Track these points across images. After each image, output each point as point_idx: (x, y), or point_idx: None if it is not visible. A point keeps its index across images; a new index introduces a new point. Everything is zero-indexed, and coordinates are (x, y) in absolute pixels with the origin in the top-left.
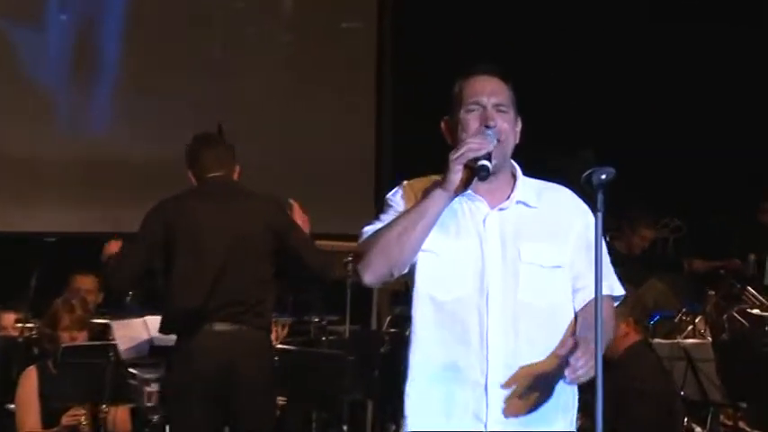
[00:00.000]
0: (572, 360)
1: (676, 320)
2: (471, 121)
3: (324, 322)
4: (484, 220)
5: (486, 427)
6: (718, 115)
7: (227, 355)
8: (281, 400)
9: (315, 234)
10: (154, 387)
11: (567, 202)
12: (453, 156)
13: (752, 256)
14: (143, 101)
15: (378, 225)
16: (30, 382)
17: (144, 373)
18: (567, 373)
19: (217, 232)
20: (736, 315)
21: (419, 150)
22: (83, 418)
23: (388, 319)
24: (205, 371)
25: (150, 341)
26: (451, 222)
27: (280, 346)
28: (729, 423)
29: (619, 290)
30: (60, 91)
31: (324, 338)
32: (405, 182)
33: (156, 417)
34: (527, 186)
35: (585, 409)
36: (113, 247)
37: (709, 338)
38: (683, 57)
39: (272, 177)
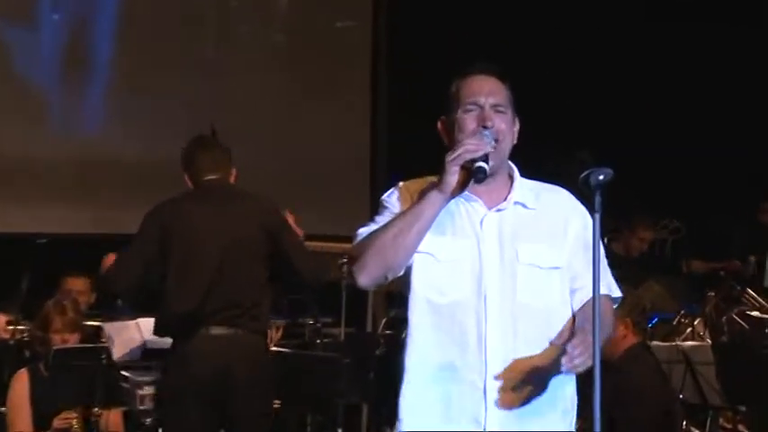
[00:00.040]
0: (569, 348)
1: (675, 323)
2: (468, 121)
3: (318, 324)
4: (481, 222)
5: (484, 427)
6: (717, 115)
7: (224, 359)
8: (275, 403)
9: (309, 235)
10: (147, 390)
11: (565, 203)
12: (450, 157)
13: (752, 258)
14: (136, 100)
15: (373, 226)
16: (21, 384)
17: (137, 376)
18: (563, 361)
19: (213, 235)
20: (735, 317)
21: (415, 150)
22: (74, 422)
23: (384, 321)
24: (201, 375)
25: (143, 344)
26: (448, 223)
27: (274, 348)
28: (729, 426)
29: (616, 291)
30: (53, 90)
31: (318, 341)
32: (400, 183)
33: (148, 420)
34: (524, 187)
35: (584, 411)
36: (111, 259)
37: (709, 341)
38: (680, 56)
39: (265, 177)
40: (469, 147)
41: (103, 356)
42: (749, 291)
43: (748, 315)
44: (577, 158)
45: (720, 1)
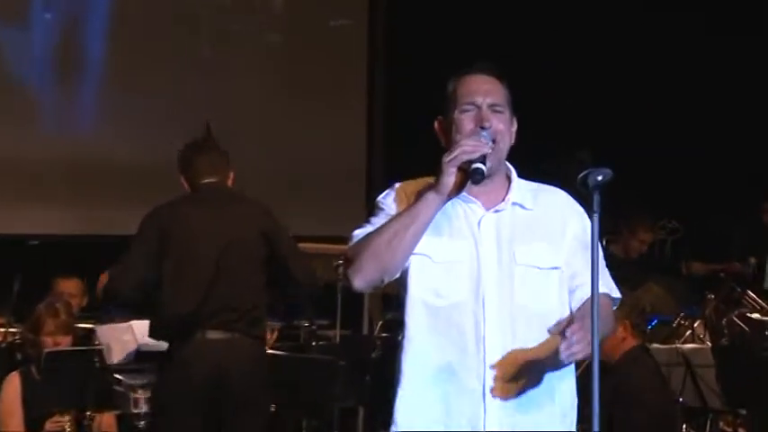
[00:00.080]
0: (567, 333)
1: (675, 325)
2: (466, 121)
3: (314, 327)
4: (479, 223)
5: (484, 428)
6: (717, 115)
7: (220, 363)
8: (271, 407)
9: (304, 237)
10: (140, 393)
11: (564, 204)
12: (447, 158)
13: (752, 259)
14: (128, 100)
15: (368, 228)
16: (12, 387)
17: (130, 379)
18: (562, 348)
19: (210, 238)
20: (735, 319)
21: (411, 151)
22: (67, 425)
23: (380, 323)
24: (197, 379)
25: (137, 346)
26: (445, 224)
27: (269, 351)
28: (729, 430)
29: (615, 292)
30: (45, 90)
31: (314, 343)
32: (397, 184)
33: (142, 423)
34: (522, 188)
35: (584, 413)
36: (106, 278)
37: (709, 343)
38: (680, 56)
39: (260, 178)
40: (467, 148)
41: (96, 359)
42: (749, 293)
43: (748, 317)
44: (576, 158)
45: (720, 1)
